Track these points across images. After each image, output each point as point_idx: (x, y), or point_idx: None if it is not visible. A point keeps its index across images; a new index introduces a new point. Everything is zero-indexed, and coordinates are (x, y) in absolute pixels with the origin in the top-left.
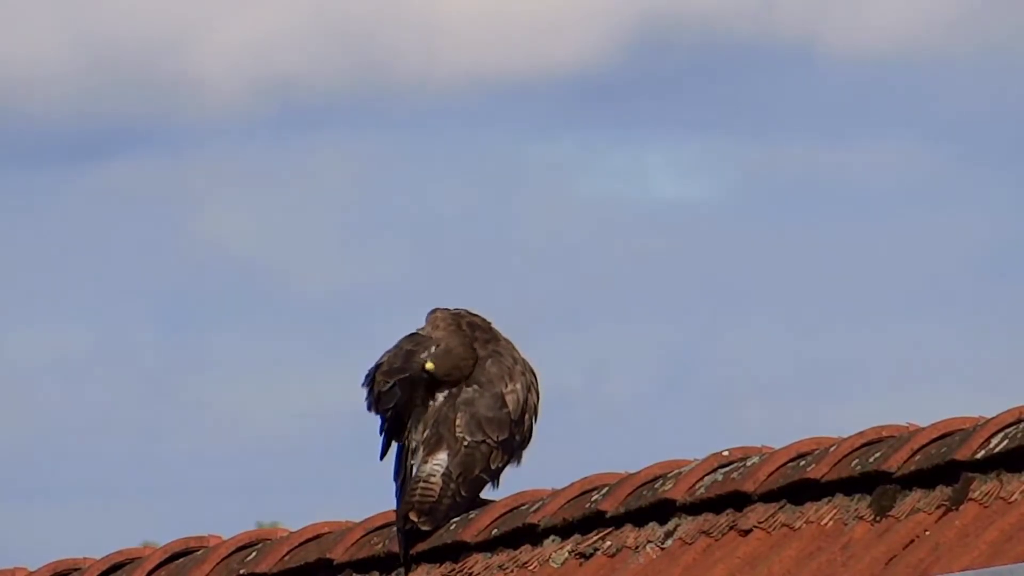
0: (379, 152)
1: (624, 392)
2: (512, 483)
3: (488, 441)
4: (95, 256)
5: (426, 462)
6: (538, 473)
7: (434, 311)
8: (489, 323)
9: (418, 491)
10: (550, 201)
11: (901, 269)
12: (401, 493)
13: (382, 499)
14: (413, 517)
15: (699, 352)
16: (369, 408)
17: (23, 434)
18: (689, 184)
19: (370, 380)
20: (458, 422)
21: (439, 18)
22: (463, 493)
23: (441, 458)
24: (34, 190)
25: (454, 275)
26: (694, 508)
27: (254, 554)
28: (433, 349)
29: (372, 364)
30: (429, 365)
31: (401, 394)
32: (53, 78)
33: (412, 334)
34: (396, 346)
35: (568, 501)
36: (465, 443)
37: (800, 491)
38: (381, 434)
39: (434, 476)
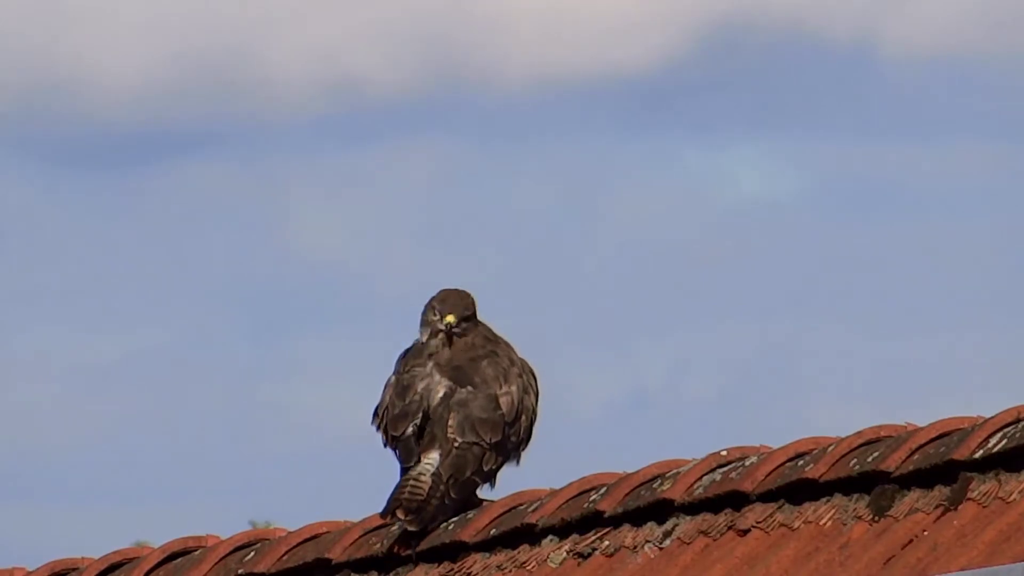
0: (455, 151)
1: (704, 391)
2: (510, 483)
3: (481, 443)
4: (169, 256)
5: (419, 460)
6: (536, 473)
7: None
8: (488, 326)
9: (407, 489)
10: (630, 201)
11: (986, 270)
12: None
13: (380, 500)
14: (400, 515)
15: (783, 351)
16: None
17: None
18: (768, 184)
19: (381, 424)
20: (451, 423)
21: (510, 18)
22: (452, 495)
23: (433, 457)
24: (112, 192)
25: (534, 275)
26: (692, 508)
27: (252, 554)
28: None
29: (378, 401)
30: (450, 318)
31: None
32: (133, 81)
33: (409, 349)
34: (395, 373)
35: (566, 501)
36: (456, 444)
37: (798, 491)
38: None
39: (424, 475)
